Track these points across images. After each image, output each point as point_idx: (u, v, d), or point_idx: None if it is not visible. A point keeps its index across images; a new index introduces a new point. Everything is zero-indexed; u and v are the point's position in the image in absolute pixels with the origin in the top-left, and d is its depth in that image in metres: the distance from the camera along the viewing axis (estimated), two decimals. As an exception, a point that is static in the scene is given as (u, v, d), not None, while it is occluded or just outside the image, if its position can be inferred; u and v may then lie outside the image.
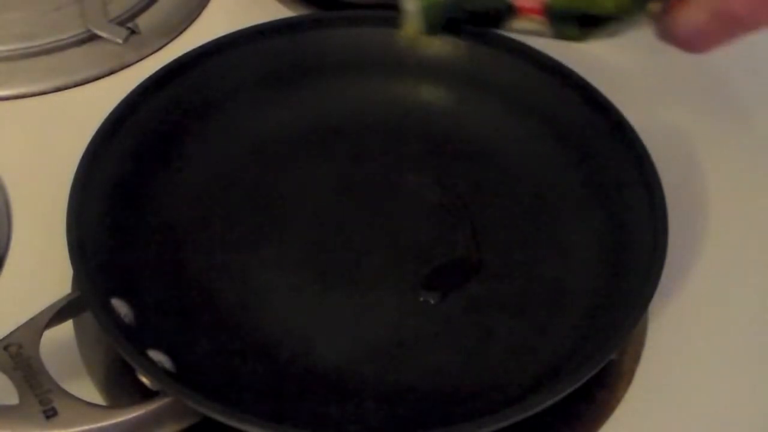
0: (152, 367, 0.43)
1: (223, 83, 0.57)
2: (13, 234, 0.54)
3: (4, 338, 0.44)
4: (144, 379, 0.43)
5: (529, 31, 0.48)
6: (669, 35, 0.46)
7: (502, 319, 0.50)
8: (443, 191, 0.55)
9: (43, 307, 0.45)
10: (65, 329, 0.48)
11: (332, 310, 0.50)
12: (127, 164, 0.52)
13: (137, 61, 0.63)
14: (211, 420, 0.42)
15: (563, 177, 0.55)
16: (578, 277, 0.51)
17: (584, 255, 0.51)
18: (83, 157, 0.50)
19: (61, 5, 0.65)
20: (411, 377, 0.48)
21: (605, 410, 0.48)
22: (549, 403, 0.42)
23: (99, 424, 0.42)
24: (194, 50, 0.56)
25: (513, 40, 0.57)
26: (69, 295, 0.47)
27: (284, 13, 0.66)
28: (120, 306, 0.46)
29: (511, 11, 0.47)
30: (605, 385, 0.48)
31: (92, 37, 0.64)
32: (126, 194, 0.52)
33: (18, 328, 0.44)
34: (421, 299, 0.50)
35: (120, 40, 0.64)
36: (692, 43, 0.46)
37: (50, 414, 0.42)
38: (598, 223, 0.52)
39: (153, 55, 0.64)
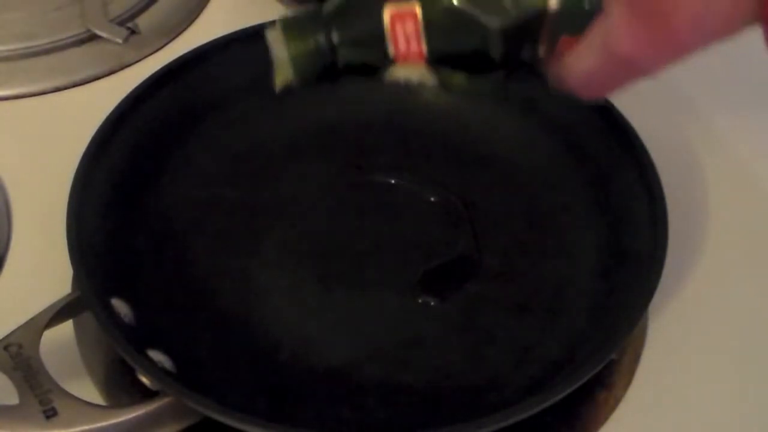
0: (152, 367, 0.43)
1: (223, 83, 0.57)
2: (13, 234, 0.54)
3: (4, 338, 0.44)
4: (144, 379, 0.43)
5: (411, 80, 0.43)
6: (560, 80, 0.42)
7: (502, 319, 0.50)
8: (443, 191, 0.55)
9: (43, 307, 0.45)
10: (65, 329, 0.48)
11: (332, 310, 0.50)
12: (127, 164, 0.52)
13: (137, 61, 0.63)
14: (211, 420, 0.42)
15: (563, 177, 0.55)
16: (578, 277, 0.51)
17: (584, 255, 0.51)
18: (83, 157, 0.50)
19: (61, 5, 0.65)
20: (411, 377, 0.48)
21: (605, 410, 0.48)
22: (549, 403, 0.42)
23: (99, 424, 0.42)
24: (194, 50, 0.56)
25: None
26: (69, 295, 0.47)
27: (284, 13, 0.66)
28: (120, 306, 0.46)
29: (390, 60, 0.42)
30: (605, 385, 0.48)
31: (92, 37, 0.64)
32: (126, 194, 0.52)
33: (18, 328, 0.44)
34: (421, 300, 0.50)
35: (120, 40, 0.64)
36: (585, 88, 0.41)
37: (50, 414, 0.42)
38: (598, 223, 0.52)
39: (153, 55, 0.64)
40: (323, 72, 0.44)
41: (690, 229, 0.54)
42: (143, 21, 0.65)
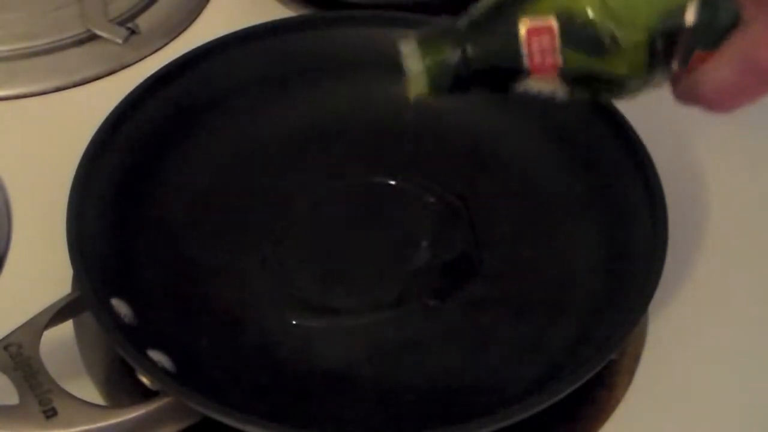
0: (152, 367, 0.43)
1: (223, 83, 0.57)
2: (13, 234, 0.54)
3: (4, 338, 0.44)
4: (144, 379, 0.43)
5: (544, 93, 0.44)
6: (691, 95, 0.42)
7: (502, 319, 0.50)
8: (443, 191, 0.55)
9: (43, 307, 0.45)
10: (65, 329, 0.48)
11: (332, 310, 0.50)
12: (127, 164, 0.52)
13: (137, 61, 0.63)
14: (211, 420, 0.42)
15: (563, 177, 0.54)
16: (578, 278, 0.51)
17: (584, 255, 0.51)
18: (83, 157, 0.50)
19: (61, 5, 0.65)
20: (411, 377, 0.48)
21: (605, 410, 0.48)
22: (549, 403, 0.42)
23: (99, 424, 0.42)
24: (194, 50, 0.56)
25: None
26: (69, 295, 0.47)
27: (284, 13, 0.66)
28: (120, 306, 0.46)
29: (524, 73, 0.43)
30: (605, 385, 0.48)
31: (92, 37, 0.64)
32: (126, 194, 0.51)
33: (18, 328, 0.44)
34: (421, 300, 0.50)
35: (120, 40, 0.64)
36: (718, 102, 0.41)
37: (50, 414, 0.42)
38: (598, 223, 0.52)
39: (153, 55, 0.64)
40: (455, 84, 0.44)
41: (690, 228, 0.54)
42: (143, 21, 0.65)
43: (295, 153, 0.57)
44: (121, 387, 0.47)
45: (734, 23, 0.40)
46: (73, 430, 0.42)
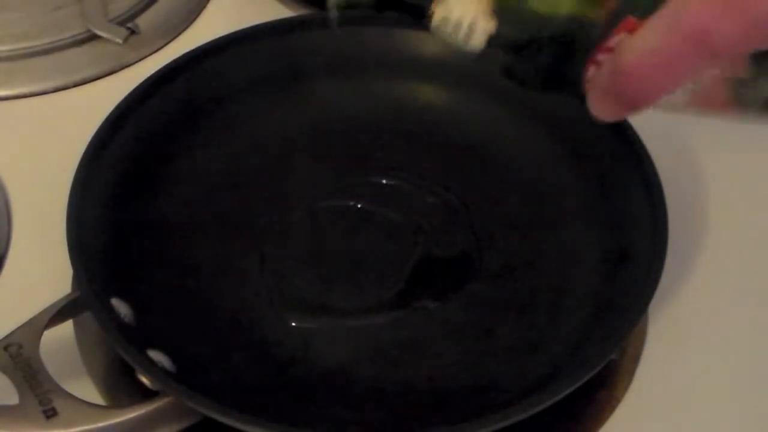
0: (152, 367, 0.43)
1: (223, 83, 0.57)
2: (13, 234, 0.54)
3: (4, 338, 0.44)
4: (144, 379, 0.43)
5: (462, 26, 0.38)
6: (618, 70, 0.35)
7: (502, 319, 0.50)
8: (443, 191, 0.55)
9: (43, 307, 0.45)
10: (65, 329, 0.48)
11: (332, 310, 0.50)
12: (127, 164, 0.52)
13: (137, 61, 0.63)
14: (211, 420, 0.42)
15: (563, 177, 0.54)
16: (578, 277, 0.51)
17: (584, 255, 0.51)
18: (83, 157, 0.50)
19: (61, 5, 0.65)
20: (411, 377, 0.48)
21: (605, 410, 0.48)
22: (549, 403, 0.42)
23: (99, 424, 0.42)
24: (194, 50, 0.56)
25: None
26: (69, 295, 0.47)
27: (284, 13, 0.66)
28: (120, 306, 0.46)
29: None
30: (605, 385, 0.48)
31: (92, 37, 0.64)
32: (126, 194, 0.51)
33: (18, 328, 0.44)
34: (421, 300, 0.50)
35: (120, 40, 0.64)
36: (648, 76, 0.35)
37: (50, 414, 0.42)
38: (597, 223, 0.52)
39: (153, 55, 0.64)
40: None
41: (690, 229, 0.54)
42: (143, 21, 0.65)
43: (295, 153, 0.57)
44: (121, 387, 0.47)
45: None
46: (73, 430, 0.42)
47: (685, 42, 0.33)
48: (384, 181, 0.55)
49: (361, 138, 0.57)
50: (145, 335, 0.46)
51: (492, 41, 0.39)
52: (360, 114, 0.58)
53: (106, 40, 0.64)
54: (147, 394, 0.43)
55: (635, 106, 0.36)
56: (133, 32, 0.64)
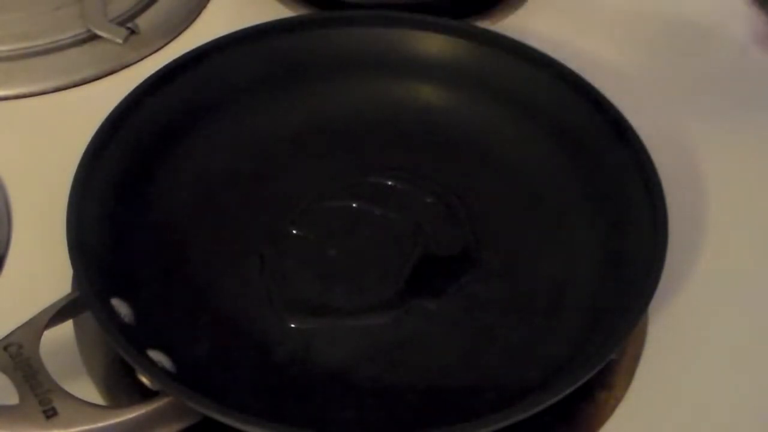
0: (152, 367, 0.43)
1: (223, 83, 0.57)
2: (13, 234, 0.54)
3: (4, 338, 0.44)
4: (144, 379, 0.43)
5: None
6: None
7: (502, 319, 0.50)
8: (443, 191, 0.55)
9: (43, 307, 0.45)
10: (65, 329, 0.48)
11: (332, 310, 0.50)
12: (127, 164, 0.52)
13: (137, 61, 0.63)
14: (211, 420, 0.42)
15: (563, 177, 0.55)
16: (578, 277, 0.51)
17: (584, 255, 0.51)
18: (83, 157, 0.50)
19: (61, 5, 0.65)
20: (411, 377, 0.48)
21: (605, 410, 0.48)
22: (549, 403, 0.42)
23: (99, 424, 0.42)
24: (194, 50, 0.56)
25: (513, 40, 0.57)
26: (69, 295, 0.47)
27: (284, 13, 0.66)
28: (120, 306, 0.46)
29: None
30: (605, 385, 0.48)
31: (92, 37, 0.64)
32: (126, 194, 0.51)
33: (18, 328, 0.44)
34: (421, 299, 0.50)
35: (120, 40, 0.64)
36: None
37: (50, 414, 0.42)
38: (598, 223, 0.52)
39: (153, 55, 0.64)
40: None
41: (690, 229, 0.54)
42: (143, 21, 0.65)
43: (295, 153, 0.57)
44: (121, 387, 0.47)
45: None
46: (73, 430, 0.42)
47: None
48: (384, 181, 0.55)
49: (361, 138, 0.57)
50: (145, 335, 0.46)
51: None
52: (360, 114, 0.58)
53: (106, 40, 0.64)
54: (147, 394, 0.43)
55: None
56: (133, 32, 0.64)
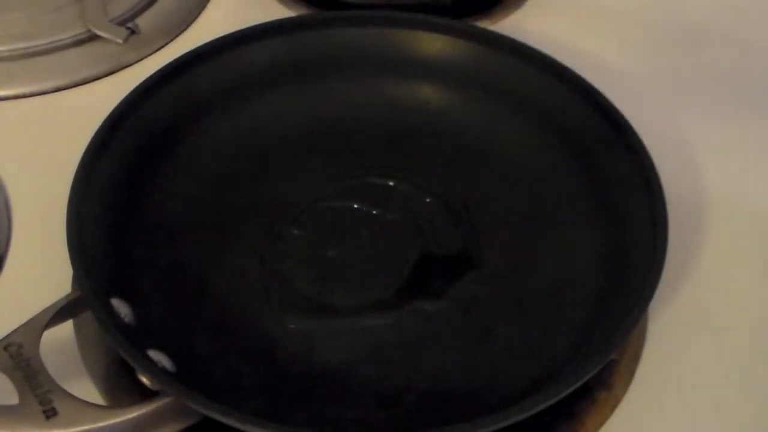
0: (152, 367, 0.43)
1: (223, 83, 0.57)
2: (13, 234, 0.54)
3: (4, 338, 0.44)
4: (144, 379, 0.43)
5: None
6: None
7: (502, 319, 0.50)
8: (443, 191, 0.55)
9: (43, 307, 0.45)
10: (65, 329, 0.48)
11: (332, 310, 0.50)
12: (127, 164, 0.52)
13: (137, 61, 0.63)
14: (211, 420, 0.42)
15: (563, 177, 0.55)
16: (578, 277, 0.50)
17: (584, 255, 0.51)
18: (83, 157, 0.50)
19: (61, 5, 0.65)
20: (411, 377, 0.48)
21: (605, 410, 0.48)
22: (549, 403, 0.42)
23: (99, 424, 0.42)
24: (194, 50, 0.56)
25: (513, 41, 0.57)
26: (69, 295, 0.47)
27: (284, 13, 0.66)
28: (120, 306, 0.46)
29: None
30: (605, 385, 0.48)
31: (92, 37, 0.64)
32: (126, 194, 0.51)
33: (18, 328, 0.44)
34: (421, 299, 0.50)
35: (120, 40, 0.64)
36: None
37: (50, 414, 0.42)
38: (598, 222, 0.52)
39: (153, 55, 0.64)
40: None
41: (690, 229, 0.54)
42: (143, 21, 0.65)
43: (295, 153, 0.57)
44: (121, 387, 0.47)
45: None
46: (73, 430, 0.42)
47: None
48: (384, 182, 0.55)
49: (361, 138, 0.57)
50: (145, 335, 0.46)
51: None
52: (360, 114, 0.58)
53: (106, 40, 0.64)
54: (147, 394, 0.43)
55: None
56: (133, 32, 0.64)
